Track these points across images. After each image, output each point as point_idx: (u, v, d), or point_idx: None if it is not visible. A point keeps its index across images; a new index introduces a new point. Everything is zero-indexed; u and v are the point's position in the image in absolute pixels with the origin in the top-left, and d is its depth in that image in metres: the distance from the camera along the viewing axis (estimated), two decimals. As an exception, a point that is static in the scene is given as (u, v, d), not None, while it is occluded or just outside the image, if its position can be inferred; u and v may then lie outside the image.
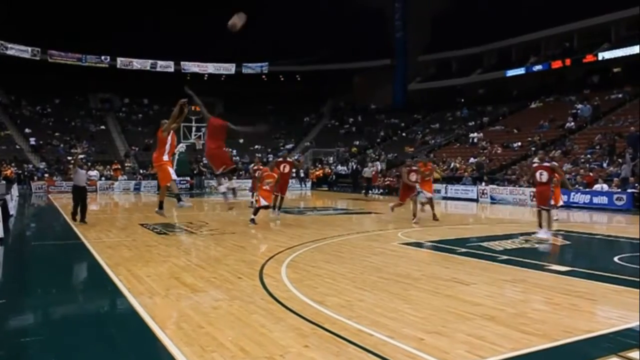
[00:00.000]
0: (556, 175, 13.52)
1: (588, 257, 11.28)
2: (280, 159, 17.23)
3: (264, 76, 56.12)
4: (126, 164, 41.09)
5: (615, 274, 8.28)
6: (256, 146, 46.51)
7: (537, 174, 12.96)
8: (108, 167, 38.88)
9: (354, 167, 38.03)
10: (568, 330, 5.40)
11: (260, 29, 48.84)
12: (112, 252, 10.44)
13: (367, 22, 49.66)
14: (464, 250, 10.66)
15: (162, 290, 7.22)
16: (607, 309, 6.52)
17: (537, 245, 11.54)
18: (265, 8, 48.71)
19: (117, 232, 13.78)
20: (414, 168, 15.84)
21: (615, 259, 9.64)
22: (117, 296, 7.04)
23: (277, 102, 54.40)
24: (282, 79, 57.48)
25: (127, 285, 7.53)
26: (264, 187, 15.10)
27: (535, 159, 17.79)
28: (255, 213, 15.21)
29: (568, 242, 12.34)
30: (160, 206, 12.23)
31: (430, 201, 16.95)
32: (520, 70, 44.70)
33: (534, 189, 23.67)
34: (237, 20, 10.96)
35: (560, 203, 17.05)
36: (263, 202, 15.07)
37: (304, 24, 48.42)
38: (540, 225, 12.86)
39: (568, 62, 41.30)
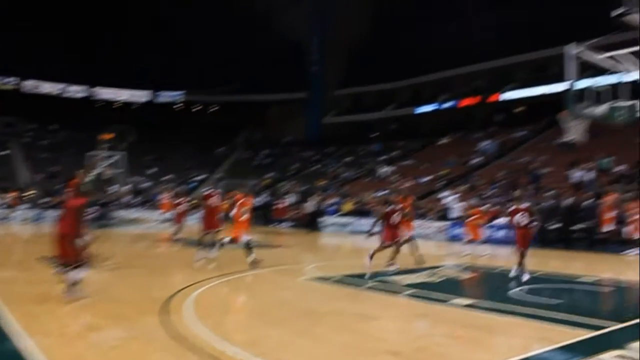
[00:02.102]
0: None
1: (489, 291, 11.65)
2: (211, 190, 15.20)
3: (179, 105, 55.47)
4: (28, 193, 39.19)
5: (514, 307, 8.57)
6: (167, 176, 45.60)
7: (518, 217, 11.99)
8: (6, 195, 36.94)
9: (266, 199, 37.85)
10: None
11: (177, 57, 48.60)
12: (5, 287, 9.86)
13: (284, 55, 50.18)
14: (370, 284, 10.76)
15: (59, 329, 6.88)
16: (505, 341, 6.75)
17: (441, 279, 11.81)
18: (183, 37, 48.54)
19: (12, 266, 13.06)
20: (396, 208, 13.00)
21: (516, 291, 10.00)
22: (10, 336, 6.60)
23: (190, 132, 53.74)
24: (197, 108, 56.98)
25: (22, 323, 7.09)
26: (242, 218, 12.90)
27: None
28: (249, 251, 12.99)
29: (471, 276, 12.72)
30: None
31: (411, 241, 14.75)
32: (431, 107, 46.29)
33: (440, 223, 24.59)
34: None
35: (480, 238, 17.59)
36: (245, 237, 12.87)
37: (221, 55, 48.44)
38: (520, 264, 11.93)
39: (475, 100, 43.19)
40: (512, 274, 11.86)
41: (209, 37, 48.19)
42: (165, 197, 32.74)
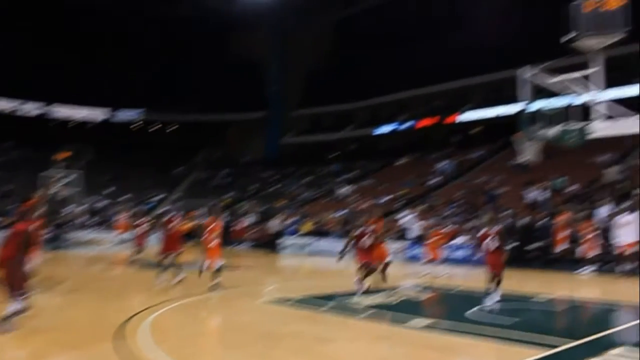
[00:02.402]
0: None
1: (447, 311, 11.72)
2: (173, 214, 14.67)
3: (138, 124, 54.83)
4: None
5: (472, 326, 8.62)
6: (124, 196, 44.88)
7: (488, 241, 11.58)
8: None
9: (225, 219, 37.52)
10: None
11: (136, 76, 48.11)
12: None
13: (243, 75, 50.17)
14: (329, 306, 10.73)
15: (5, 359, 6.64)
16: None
17: (400, 300, 11.84)
18: (142, 56, 48.16)
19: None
20: (366, 231, 12.88)
21: (473, 311, 10.06)
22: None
23: (149, 151, 53.11)
24: (156, 127, 56.43)
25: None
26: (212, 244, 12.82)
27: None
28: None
29: (430, 296, 12.78)
30: None
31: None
32: (389, 128, 46.76)
33: (399, 244, 24.69)
34: None
35: (440, 258, 17.73)
36: (219, 262, 12.67)
37: (180, 74, 48.20)
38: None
39: (433, 121, 43.81)
40: (488, 302, 11.05)
41: (168, 56, 47.95)
42: (122, 218, 32.23)
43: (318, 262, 24.46)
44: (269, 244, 31.02)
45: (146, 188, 48.73)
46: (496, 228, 11.70)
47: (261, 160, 54.62)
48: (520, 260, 19.91)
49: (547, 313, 10.84)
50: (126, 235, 31.64)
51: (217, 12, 46.15)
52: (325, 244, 28.66)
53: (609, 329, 9.05)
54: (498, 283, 11.36)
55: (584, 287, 14.97)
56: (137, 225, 20.57)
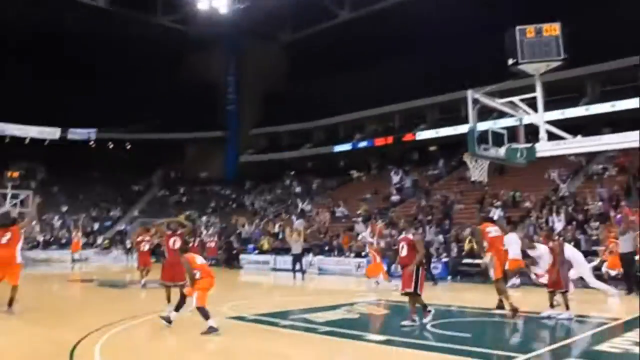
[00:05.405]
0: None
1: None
2: (169, 232, 12.94)
3: (91, 142, 53.99)
4: None
5: (428, 341, 8.82)
6: (78, 215, 44.13)
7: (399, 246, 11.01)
8: None
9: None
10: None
11: (88, 94, 47.47)
12: None
13: (200, 94, 50.07)
14: (287, 322, 10.76)
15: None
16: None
17: (357, 316, 11.98)
18: (96, 73, 47.62)
19: None
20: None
21: (429, 326, 10.14)
22: None
23: (104, 169, 52.42)
24: (110, 146, 55.73)
25: None
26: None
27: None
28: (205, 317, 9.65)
29: (386, 312, 12.96)
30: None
31: None
32: (347, 146, 47.18)
33: (359, 260, 24.90)
34: None
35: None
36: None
37: (136, 92, 47.78)
38: (423, 306, 10.68)
39: (390, 139, 44.38)
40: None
41: (125, 74, 47.47)
42: (75, 236, 31.75)
43: (277, 279, 24.53)
44: (228, 260, 31.01)
45: (104, 204, 48.21)
46: (411, 236, 10.97)
47: (220, 178, 54.50)
48: (481, 274, 20.16)
49: (501, 325, 11.07)
50: (78, 255, 31.21)
51: (173, 32, 46.39)
52: (285, 259, 28.58)
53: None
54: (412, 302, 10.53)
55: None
56: (139, 243, 18.44)
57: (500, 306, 11.85)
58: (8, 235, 11.49)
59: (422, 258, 10.53)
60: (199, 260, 10.12)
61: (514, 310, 11.04)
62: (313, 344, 8.84)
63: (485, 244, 12.30)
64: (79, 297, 14.29)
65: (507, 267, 12.34)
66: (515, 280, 16.55)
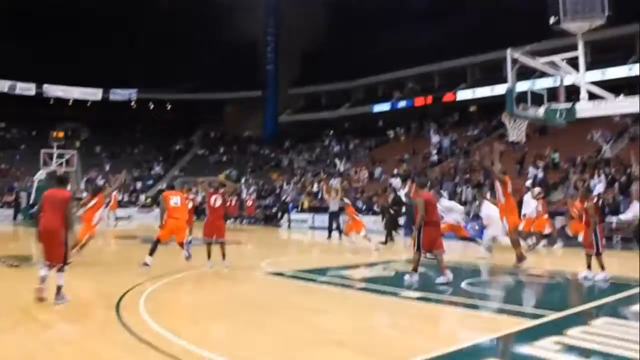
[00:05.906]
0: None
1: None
2: (212, 190, 12.80)
3: (132, 103, 54.77)
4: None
5: (462, 298, 8.90)
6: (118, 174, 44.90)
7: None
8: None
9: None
10: (411, 351, 5.78)
11: (130, 55, 48.02)
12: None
13: (239, 54, 50.14)
14: (324, 279, 10.95)
15: (10, 326, 6.87)
16: (450, 330, 7.11)
17: (394, 273, 12.12)
18: (136, 34, 48.00)
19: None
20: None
21: (463, 284, 10.24)
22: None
23: (145, 129, 53.26)
24: (151, 106, 56.44)
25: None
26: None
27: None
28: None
29: (423, 270, 13.04)
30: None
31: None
32: (386, 106, 46.87)
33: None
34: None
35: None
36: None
37: (175, 53, 48.08)
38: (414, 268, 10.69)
39: (429, 99, 43.92)
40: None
41: (165, 35, 47.78)
42: (114, 195, 32.26)
43: (316, 236, 24.81)
44: (267, 218, 31.43)
45: (146, 162, 49.09)
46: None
47: (259, 138, 54.84)
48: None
49: (535, 285, 11.11)
50: (117, 212, 31.72)
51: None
52: (323, 218, 28.79)
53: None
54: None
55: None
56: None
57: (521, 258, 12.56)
58: (94, 200, 13.43)
59: (422, 220, 10.47)
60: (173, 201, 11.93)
61: (520, 259, 12.48)
62: (349, 299, 9.00)
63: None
64: (124, 253, 14.75)
65: (522, 227, 12.88)
66: (530, 241, 16.56)
